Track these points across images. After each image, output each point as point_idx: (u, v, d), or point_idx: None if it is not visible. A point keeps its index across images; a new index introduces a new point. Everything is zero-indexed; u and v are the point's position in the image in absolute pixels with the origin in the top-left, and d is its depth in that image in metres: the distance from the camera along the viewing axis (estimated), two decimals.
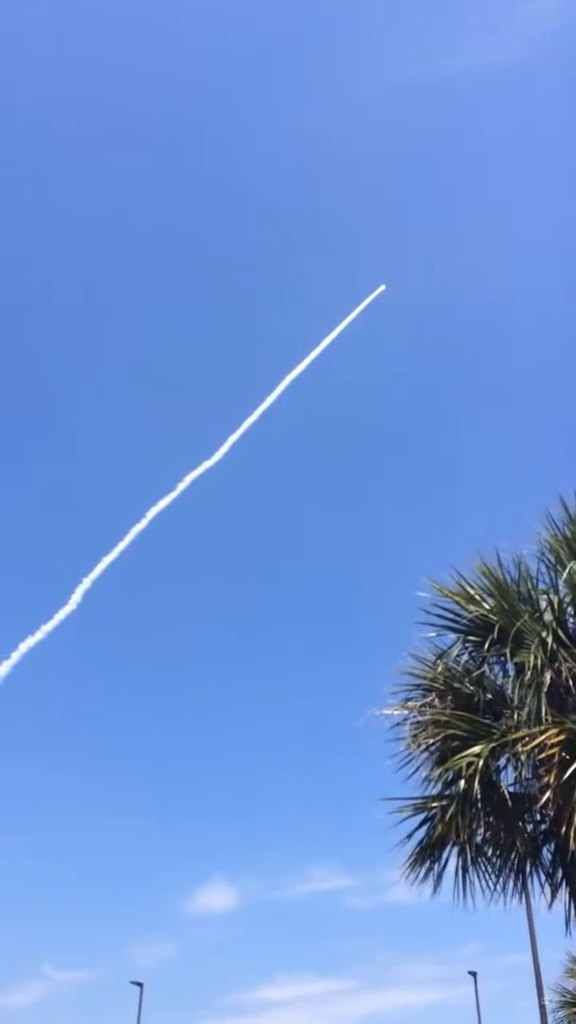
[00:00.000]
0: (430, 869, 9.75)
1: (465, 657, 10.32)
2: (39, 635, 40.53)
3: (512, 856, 9.71)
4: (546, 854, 9.76)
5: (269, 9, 59.13)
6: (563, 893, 9.58)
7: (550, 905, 9.62)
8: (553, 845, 9.62)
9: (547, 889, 9.70)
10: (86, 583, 41.26)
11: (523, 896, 10.07)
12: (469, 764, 9.06)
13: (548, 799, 8.57)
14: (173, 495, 41.45)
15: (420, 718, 9.89)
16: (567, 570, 9.95)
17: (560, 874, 9.63)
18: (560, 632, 9.46)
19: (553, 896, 9.65)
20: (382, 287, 45.68)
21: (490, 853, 9.78)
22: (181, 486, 41.24)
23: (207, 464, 41.68)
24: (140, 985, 38.16)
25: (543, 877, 9.74)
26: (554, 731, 8.67)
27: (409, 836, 9.67)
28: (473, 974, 36.42)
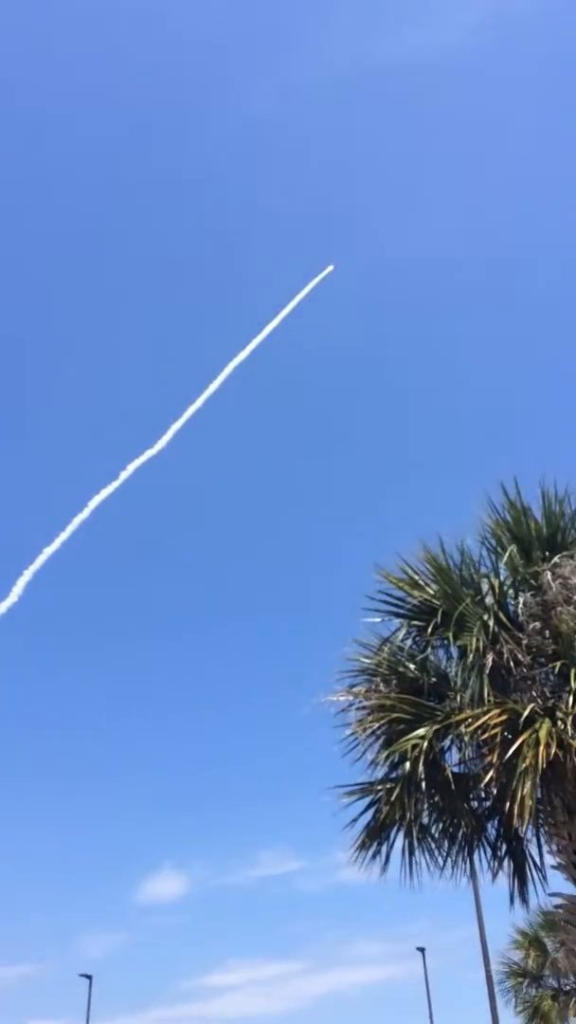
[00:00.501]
0: (377, 851, 9.92)
1: (409, 642, 10.49)
2: None
3: (458, 834, 9.93)
4: (490, 830, 9.99)
5: None
6: (507, 867, 9.84)
7: (493, 879, 9.88)
8: (497, 821, 9.86)
9: (493, 864, 9.95)
10: (27, 575, 40.68)
11: (470, 872, 10.31)
12: (414, 746, 9.22)
13: (491, 777, 8.76)
14: (116, 484, 41.03)
15: (365, 703, 10.03)
16: (507, 553, 10.17)
17: (504, 849, 9.88)
18: (501, 615, 9.67)
19: (497, 870, 9.90)
20: (330, 268, 45.49)
21: (436, 832, 9.98)
22: (124, 475, 40.85)
23: (150, 453, 41.32)
24: (89, 977, 38.05)
25: (488, 853, 9.98)
26: (496, 711, 8.87)
27: (355, 820, 9.82)
28: (421, 950, 37.13)
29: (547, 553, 9.93)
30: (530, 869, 9.86)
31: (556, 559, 9.70)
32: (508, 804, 8.48)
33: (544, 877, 9.79)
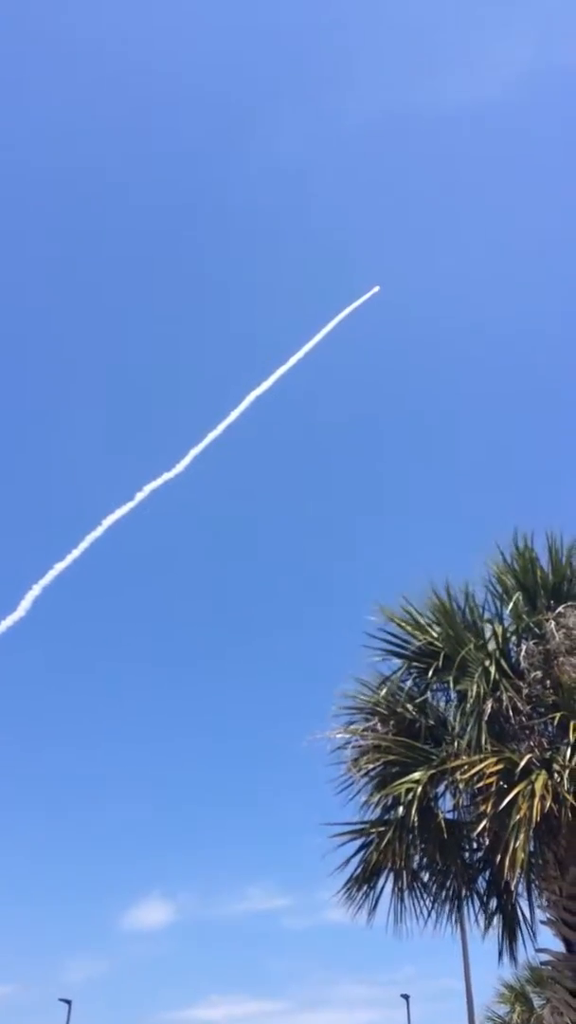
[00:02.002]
0: (366, 894, 9.79)
1: (409, 683, 10.43)
2: None
3: (448, 883, 9.79)
4: (481, 881, 9.85)
5: (256, 41, 59.47)
6: (497, 920, 9.69)
7: (484, 933, 9.73)
8: (488, 873, 9.73)
9: (481, 917, 9.80)
10: (36, 590, 40.64)
11: (458, 922, 10.15)
12: (408, 790, 9.12)
13: (484, 827, 8.65)
14: (131, 505, 41.12)
15: (362, 742, 9.95)
16: (512, 600, 10.14)
17: (494, 903, 9.73)
18: (503, 662, 9.60)
19: (487, 924, 9.75)
20: (376, 288, 45.28)
21: (426, 879, 9.85)
22: (139, 496, 40.94)
23: (167, 476, 41.41)
24: (68, 1002, 37.51)
25: (478, 905, 9.83)
26: (493, 760, 8.78)
27: (347, 861, 9.71)
28: (406, 997, 36.46)
29: (552, 602, 9.88)
30: (519, 923, 9.72)
31: (561, 609, 9.65)
32: (500, 856, 8.37)
33: (533, 932, 9.65)
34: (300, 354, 42.93)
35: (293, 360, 42.82)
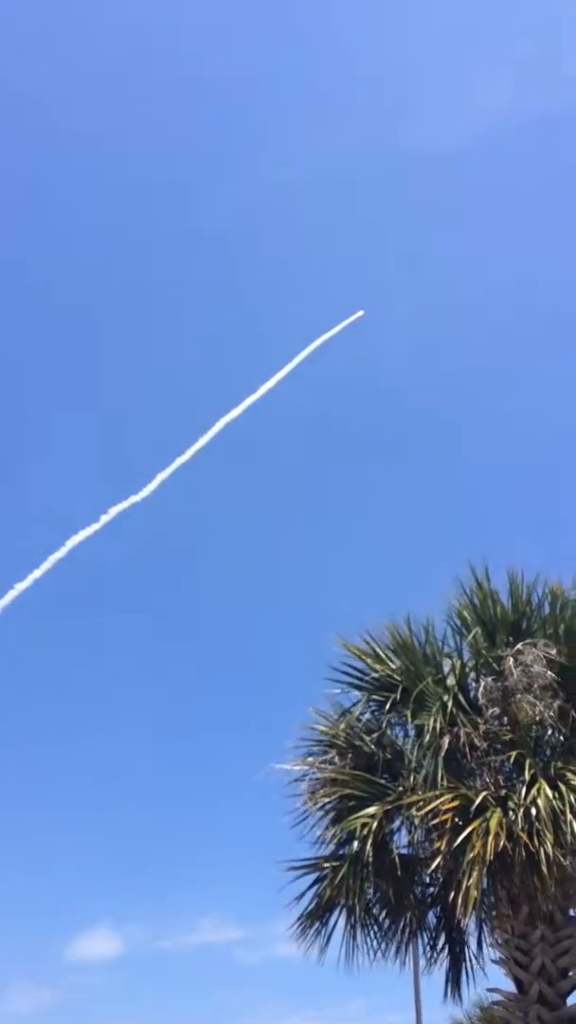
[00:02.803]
0: (319, 929, 9.70)
1: (368, 715, 10.41)
2: None
3: (400, 919, 9.73)
4: (432, 918, 9.81)
5: (236, 78, 60.10)
6: (446, 957, 9.64)
7: (428, 967, 9.67)
8: (440, 909, 9.69)
9: (431, 953, 9.75)
10: None
11: (409, 958, 10.08)
12: (363, 825, 9.08)
13: (439, 864, 8.61)
14: (96, 527, 40.77)
15: (319, 775, 9.90)
16: (472, 635, 10.17)
17: (444, 938, 9.68)
18: (461, 697, 9.61)
19: (435, 960, 9.70)
20: (360, 312, 45.34)
21: (379, 915, 9.78)
22: (105, 518, 40.63)
23: (134, 499, 41.14)
24: None
25: (428, 940, 9.77)
26: (448, 796, 8.76)
27: (300, 896, 9.63)
28: None
29: (511, 639, 9.92)
30: (468, 962, 9.68)
31: (520, 646, 9.67)
32: (453, 893, 8.34)
33: (484, 970, 9.61)
34: (272, 382, 43.02)
35: (264, 389, 42.90)
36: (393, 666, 10.26)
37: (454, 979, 9.72)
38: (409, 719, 9.82)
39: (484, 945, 9.52)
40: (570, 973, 9.10)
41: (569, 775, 8.80)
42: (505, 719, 9.55)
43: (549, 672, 9.40)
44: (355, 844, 9.14)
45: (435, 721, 9.31)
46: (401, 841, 9.65)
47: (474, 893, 8.14)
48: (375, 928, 9.74)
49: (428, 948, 9.80)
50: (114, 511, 39.04)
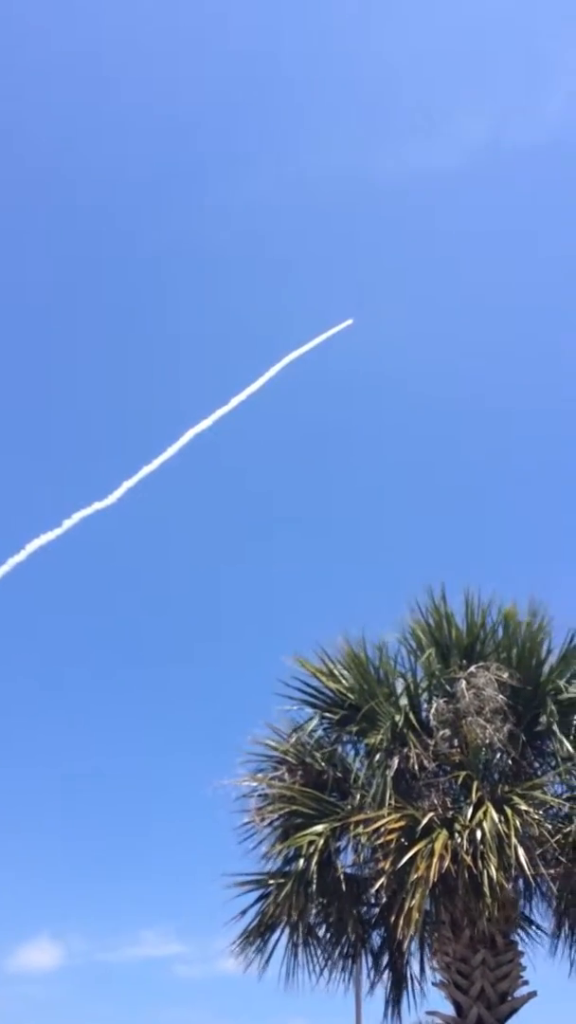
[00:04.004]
0: (261, 946, 9.64)
1: (320, 732, 10.39)
2: None
3: (343, 938, 9.70)
4: (375, 938, 9.79)
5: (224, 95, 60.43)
6: (386, 979, 9.62)
7: (371, 989, 9.64)
8: (383, 929, 9.66)
9: (372, 974, 9.73)
10: None
11: (351, 977, 10.04)
12: (310, 843, 9.05)
13: (383, 884, 8.60)
14: (59, 531, 40.38)
15: (268, 791, 9.85)
16: (425, 656, 10.20)
17: (385, 960, 9.66)
18: (412, 717, 9.63)
19: (376, 980, 9.69)
20: (349, 320, 45.22)
21: (321, 933, 9.74)
22: (68, 523, 40.28)
23: (99, 505, 40.82)
24: None
25: (370, 961, 9.75)
26: (395, 816, 8.76)
27: (243, 912, 9.57)
28: None
29: (464, 661, 9.94)
30: (408, 983, 9.66)
31: (472, 668, 9.70)
32: (395, 914, 8.32)
33: (424, 992, 9.60)
34: (243, 395, 43.01)
35: (235, 401, 42.88)
36: (346, 684, 10.25)
37: (394, 1000, 9.69)
38: (360, 737, 9.82)
39: (425, 967, 9.50)
40: (509, 997, 9.11)
41: (516, 799, 8.83)
42: (455, 741, 9.57)
43: (501, 696, 9.44)
44: (301, 862, 9.10)
45: (385, 740, 9.32)
46: (347, 860, 9.65)
47: (416, 915, 8.14)
48: (317, 946, 9.70)
49: (370, 968, 9.77)
50: (77, 516, 38.72)
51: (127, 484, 40.46)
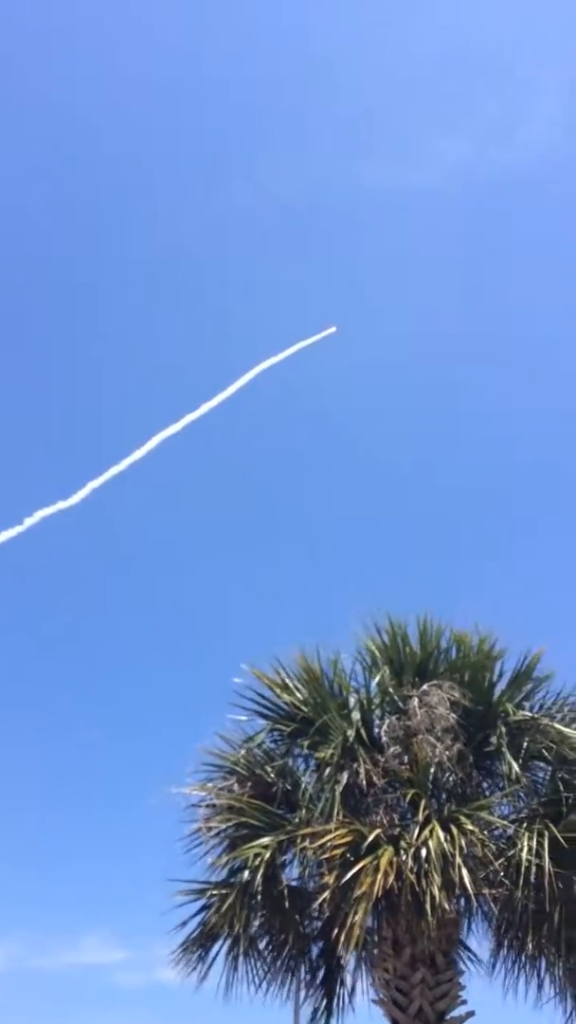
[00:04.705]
0: (202, 956, 9.59)
1: (271, 744, 10.39)
2: None
3: (284, 951, 9.69)
4: (315, 952, 9.79)
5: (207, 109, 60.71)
6: (321, 994, 9.64)
7: (302, 1001, 9.64)
8: (323, 945, 9.67)
9: (308, 988, 9.72)
10: None
11: (290, 992, 10.02)
12: (256, 855, 9.03)
13: (326, 899, 8.60)
14: (19, 529, 39.96)
15: (217, 801, 9.82)
16: (380, 673, 10.26)
17: (323, 975, 9.67)
18: (364, 732, 9.68)
19: (308, 995, 9.71)
20: (332, 328, 45.19)
21: (263, 945, 9.73)
22: (29, 521, 39.87)
23: (62, 504, 40.46)
24: None
25: (307, 975, 9.75)
26: (342, 831, 8.76)
27: (184, 923, 9.52)
28: None
29: (417, 679, 10.02)
30: (341, 999, 9.69)
31: (425, 686, 9.78)
32: (337, 929, 8.33)
33: (353, 1008, 9.64)
34: (214, 401, 42.96)
35: (206, 407, 42.81)
36: (300, 697, 10.28)
37: (327, 1014, 9.70)
38: (311, 751, 9.84)
39: (364, 984, 9.51)
40: (446, 1017, 9.14)
41: (462, 818, 8.89)
42: (405, 758, 9.61)
43: (452, 715, 9.53)
44: (246, 874, 9.08)
45: (336, 755, 9.35)
46: (292, 873, 9.65)
47: (357, 931, 8.14)
48: (258, 958, 9.68)
49: (308, 983, 9.76)
50: (39, 515, 38.38)
51: (92, 484, 40.22)
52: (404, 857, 8.56)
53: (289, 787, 10.04)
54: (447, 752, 9.39)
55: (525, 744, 9.73)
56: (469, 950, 10.04)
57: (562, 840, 8.71)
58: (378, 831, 8.85)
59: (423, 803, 9.05)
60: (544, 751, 9.64)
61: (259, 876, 8.93)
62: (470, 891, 8.40)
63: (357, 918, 8.18)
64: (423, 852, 8.51)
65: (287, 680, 10.39)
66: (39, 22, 54.11)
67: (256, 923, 9.55)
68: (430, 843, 8.54)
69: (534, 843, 8.70)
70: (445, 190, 58.55)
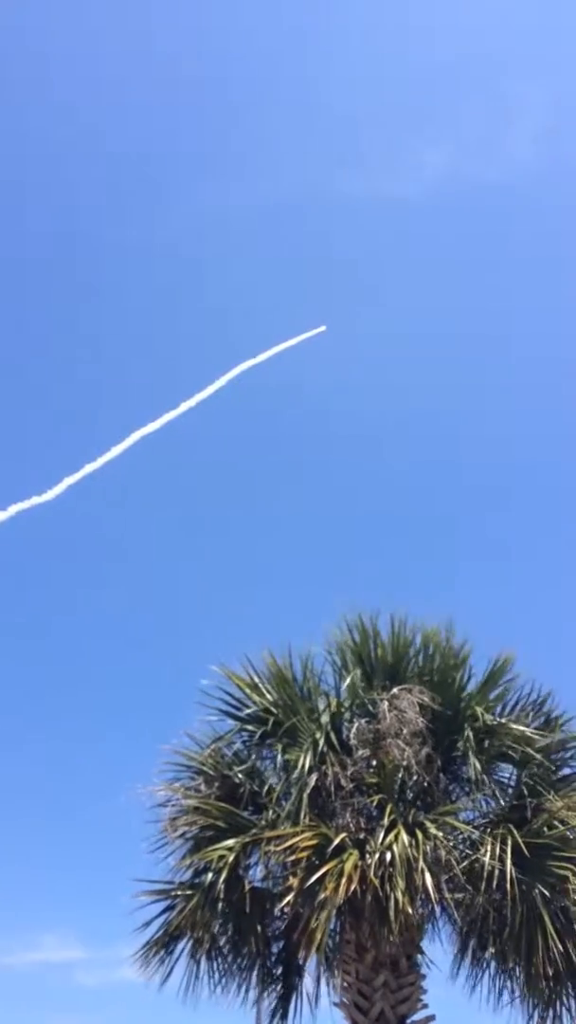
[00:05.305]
0: (164, 957, 9.55)
1: (239, 746, 10.35)
2: None
3: (246, 953, 9.66)
4: (277, 953, 9.77)
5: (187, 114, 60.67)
6: (280, 996, 9.63)
7: (258, 1000, 9.60)
8: (285, 947, 9.66)
9: (268, 990, 9.70)
10: None
11: (253, 992, 9.99)
12: (220, 857, 9.00)
13: (289, 902, 8.57)
14: None
15: (183, 802, 9.78)
16: (350, 676, 10.25)
17: (283, 977, 9.67)
18: (333, 736, 9.64)
19: (275, 997, 9.68)
20: (322, 327, 45.17)
21: (225, 947, 9.69)
22: (3, 516, 39.58)
23: (37, 499, 40.18)
24: None
25: (270, 977, 9.73)
26: (308, 835, 8.73)
27: (148, 923, 9.47)
28: None
29: (388, 683, 10.02)
30: (301, 1000, 9.69)
31: (395, 690, 9.78)
32: (299, 932, 8.32)
33: (314, 1012, 9.61)
34: (193, 401, 42.84)
35: (184, 406, 42.68)
36: (270, 699, 10.24)
37: (283, 1015, 9.70)
38: (280, 753, 9.82)
39: (326, 987, 9.51)
40: (407, 1021, 9.16)
41: (427, 823, 8.90)
42: (374, 762, 9.61)
43: (421, 719, 9.53)
44: (209, 875, 9.04)
45: (304, 757, 9.32)
46: (257, 875, 9.61)
47: (319, 934, 8.14)
48: (220, 960, 9.64)
49: (269, 985, 9.74)
50: (14, 509, 38.15)
51: (69, 480, 40.00)
52: (369, 861, 8.55)
53: (256, 788, 10.01)
54: (415, 756, 9.38)
55: (491, 747, 9.74)
56: (435, 951, 10.07)
57: (523, 847, 8.77)
58: (344, 835, 8.83)
59: (389, 807, 9.04)
60: (510, 753, 9.68)
61: (222, 879, 8.90)
62: (433, 896, 8.40)
63: (320, 921, 8.18)
64: (387, 856, 8.51)
65: (257, 681, 10.36)
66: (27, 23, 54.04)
67: (218, 925, 9.51)
68: (395, 847, 8.54)
69: (497, 848, 8.74)
70: (426, 200, 58.93)
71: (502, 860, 8.60)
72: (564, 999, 9.16)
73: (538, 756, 9.54)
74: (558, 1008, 9.18)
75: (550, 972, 8.52)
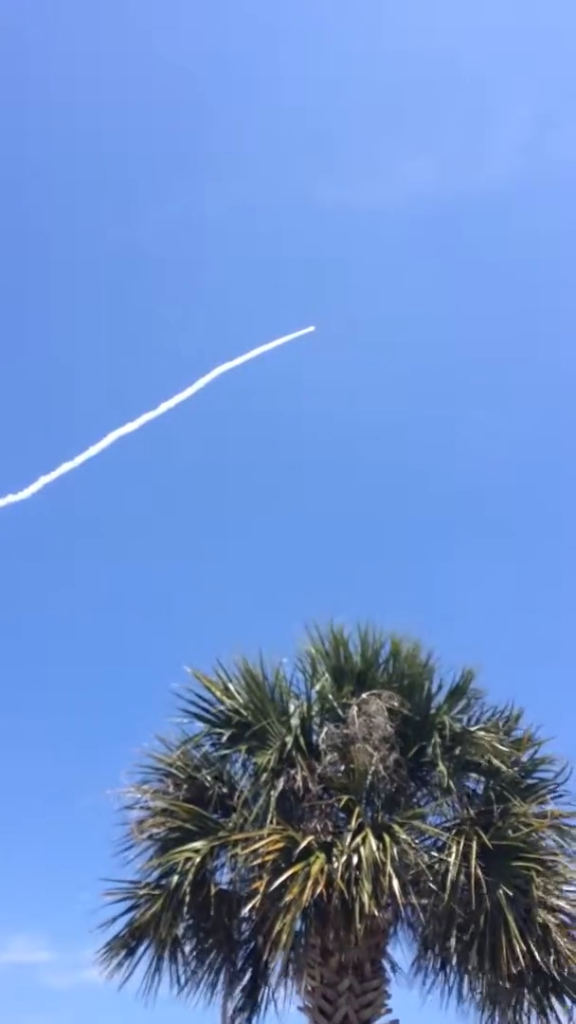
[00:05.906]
0: (127, 958, 9.50)
1: (208, 747, 10.35)
2: None
3: (210, 954, 9.65)
4: (241, 957, 9.77)
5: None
6: (245, 998, 9.63)
7: (233, 1007, 9.60)
8: (250, 950, 9.66)
9: (232, 993, 9.69)
10: None
11: (217, 995, 9.98)
12: (187, 859, 8.99)
13: (255, 905, 8.57)
14: None
15: (151, 803, 9.76)
16: (321, 681, 10.29)
17: (247, 980, 9.67)
18: (302, 739, 9.68)
19: (239, 1000, 9.67)
20: (311, 327, 45.10)
21: (189, 948, 9.68)
22: None
23: (12, 498, 39.83)
24: None
25: (234, 980, 9.73)
26: (275, 837, 8.76)
27: (112, 921, 9.43)
28: None
29: (357, 688, 10.07)
30: (265, 1006, 9.68)
31: (364, 695, 9.83)
32: (264, 935, 8.32)
33: (278, 1014, 9.62)
34: (172, 402, 42.70)
35: (164, 407, 42.53)
36: (240, 701, 10.25)
37: (248, 1017, 9.70)
38: (249, 755, 9.82)
39: (290, 990, 9.51)
40: None
41: (395, 827, 8.96)
42: (342, 766, 9.65)
43: (390, 724, 9.59)
44: (175, 877, 9.02)
45: (273, 760, 9.35)
46: (224, 878, 9.61)
47: (284, 937, 8.15)
48: (183, 962, 9.62)
49: (234, 987, 9.73)
50: None
51: (44, 479, 39.72)
52: (335, 864, 8.58)
53: (225, 791, 10.01)
54: (383, 761, 9.44)
55: (459, 755, 9.81)
56: (399, 955, 10.11)
57: (490, 845, 8.86)
58: (311, 838, 8.86)
59: (357, 810, 9.09)
60: (478, 762, 9.75)
61: (188, 881, 8.89)
62: (399, 899, 8.44)
63: (285, 924, 8.19)
64: (354, 859, 8.56)
65: (228, 684, 10.36)
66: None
67: (183, 926, 9.50)
68: (362, 850, 8.58)
69: (462, 847, 8.82)
70: (407, 211, 59.33)
71: (467, 860, 8.67)
72: (527, 998, 9.23)
73: (504, 766, 9.61)
74: (525, 1006, 9.25)
75: (514, 971, 8.58)
